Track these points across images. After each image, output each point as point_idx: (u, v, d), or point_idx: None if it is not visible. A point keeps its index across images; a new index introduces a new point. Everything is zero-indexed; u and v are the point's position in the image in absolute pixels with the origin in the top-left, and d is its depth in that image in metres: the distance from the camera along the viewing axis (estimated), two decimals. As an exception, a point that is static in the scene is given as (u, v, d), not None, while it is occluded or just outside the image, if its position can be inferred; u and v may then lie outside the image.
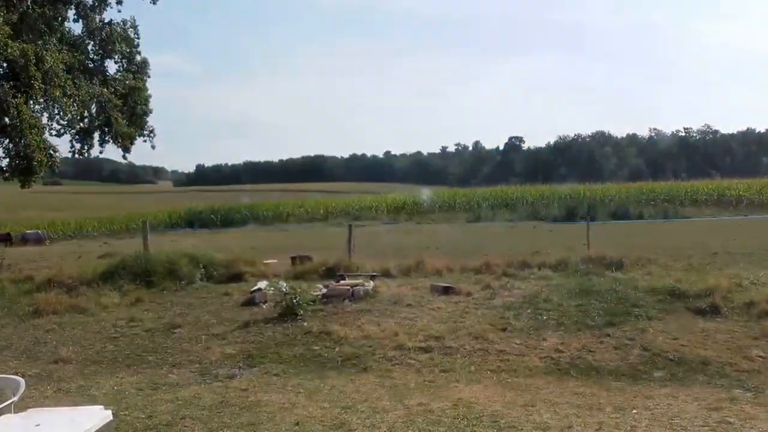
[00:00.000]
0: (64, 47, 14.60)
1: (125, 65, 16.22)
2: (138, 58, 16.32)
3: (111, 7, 15.80)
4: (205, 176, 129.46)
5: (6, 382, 3.98)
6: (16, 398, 3.75)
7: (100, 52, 15.94)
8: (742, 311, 7.62)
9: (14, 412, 3.69)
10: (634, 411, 5.03)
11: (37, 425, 3.46)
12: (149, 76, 16.57)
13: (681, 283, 8.39)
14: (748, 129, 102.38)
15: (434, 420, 4.82)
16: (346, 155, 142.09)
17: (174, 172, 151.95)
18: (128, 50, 16.00)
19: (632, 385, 5.82)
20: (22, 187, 14.71)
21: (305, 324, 7.64)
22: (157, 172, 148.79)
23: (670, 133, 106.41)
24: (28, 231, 25.68)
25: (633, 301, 7.98)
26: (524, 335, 7.17)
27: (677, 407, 5.12)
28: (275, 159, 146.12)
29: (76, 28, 15.74)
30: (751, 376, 5.99)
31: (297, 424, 4.76)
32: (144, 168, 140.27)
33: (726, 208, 29.60)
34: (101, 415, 3.66)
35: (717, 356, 6.47)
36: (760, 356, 6.47)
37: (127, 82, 15.75)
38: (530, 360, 6.54)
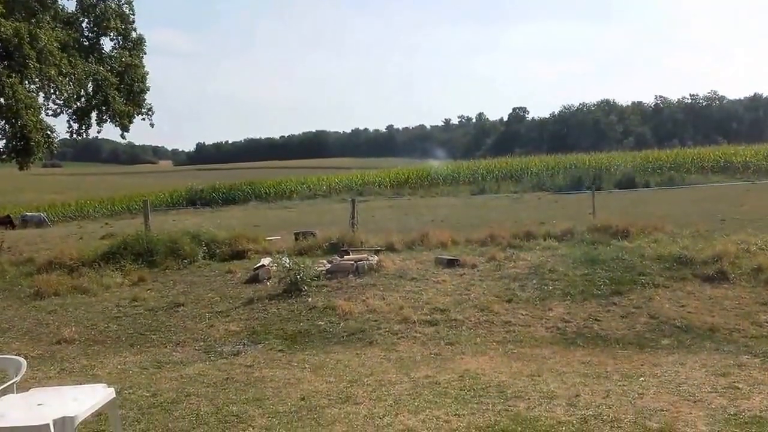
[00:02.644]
0: (58, 25, 14.34)
1: (121, 42, 15.98)
2: (134, 34, 16.08)
3: (105, -17, 15.49)
4: (206, 154, 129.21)
5: (7, 363, 3.95)
6: (18, 378, 3.72)
7: (95, 29, 15.68)
8: (750, 277, 7.54)
9: (16, 392, 3.65)
10: (642, 378, 4.99)
11: (40, 404, 3.42)
12: (145, 53, 16.34)
13: (688, 250, 8.29)
14: (755, 94, 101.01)
15: (441, 392, 4.79)
16: (348, 130, 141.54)
17: (174, 151, 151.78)
18: (123, 27, 15.74)
19: (639, 353, 5.78)
20: (21, 168, 14.63)
21: (309, 299, 7.60)
22: (156, 152, 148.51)
23: (676, 99, 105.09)
24: (28, 213, 25.63)
25: (639, 269, 7.90)
26: (530, 306, 7.12)
27: (685, 374, 5.09)
28: (276, 135, 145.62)
29: (70, 5, 15.47)
30: (759, 341, 5.95)
31: (303, 398, 4.74)
32: (143, 148, 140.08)
33: (733, 175, 29.34)
34: (104, 393, 3.61)
35: (724, 323, 6.42)
36: (768, 322, 6.41)
37: (123, 59, 15.53)
38: (536, 330, 6.50)
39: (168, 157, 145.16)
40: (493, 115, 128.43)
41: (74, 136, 15.99)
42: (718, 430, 3.88)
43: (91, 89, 15.29)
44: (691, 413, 4.18)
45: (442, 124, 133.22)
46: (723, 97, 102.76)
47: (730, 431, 3.86)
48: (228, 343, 6.57)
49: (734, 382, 4.82)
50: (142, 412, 4.56)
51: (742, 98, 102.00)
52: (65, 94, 14.51)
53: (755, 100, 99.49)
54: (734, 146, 39.46)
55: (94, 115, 15.69)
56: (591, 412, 4.24)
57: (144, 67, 16.21)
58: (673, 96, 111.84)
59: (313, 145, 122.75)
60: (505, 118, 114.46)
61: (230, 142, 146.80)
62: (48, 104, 14.72)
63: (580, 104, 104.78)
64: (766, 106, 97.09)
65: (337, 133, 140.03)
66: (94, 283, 8.84)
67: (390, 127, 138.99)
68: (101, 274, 9.20)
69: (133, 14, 15.89)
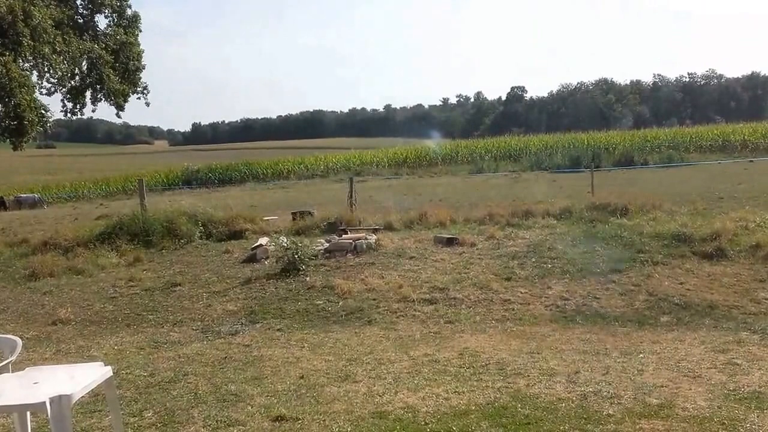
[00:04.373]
0: (52, 2, 14.06)
1: (115, 20, 15.70)
2: (128, 12, 15.81)
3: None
4: (202, 135, 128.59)
5: (2, 342, 3.90)
6: (13, 357, 3.67)
7: (90, 6, 15.39)
8: (748, 254, 7.54)
9: (12, 372, 3.61)
10: (641, 355, 4.98)
11: (36, 383, 3.37)
12: (141, 31, 16.08)
13: (686, 228, 8.27)
14: (753, 73, 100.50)
15: (440, 369, 4.77)
16: (345, 110, 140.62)
17: (170, 131, 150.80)
18: (118, 4, 15.46)
19: (638, 330, 5.77)
20: (14, 149, 14.46)
21: (308, 279, 7.56)
22: (152, 132, 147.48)
23: (674, 78, 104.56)
24: (22, 195, 25.43)
25: (638, 246, 7.88)
26: (529, 284, 7.10)
27: (684, 350, 5.08)
28: (273, 115, 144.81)
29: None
30: (758, 318, 5.95)
31: (302, 377, 4.71)
32: (139, 128, 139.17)
33: (731, 153, 29.27)
34: (101, 371, 3.56)
35: (723, 299, 6.41)
36: (766, 298, 6.43)
37: (118, 37, 15.27)
38: (535, 308, 6.48)
39: (164, 138, 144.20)
40: (491, 95, 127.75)
41: (69, 115, 15.83)
42: (717, 405, 3.87)
43: (85, 67, 15.08)
44: (690, 389, 4.17)
45: (440, 103, 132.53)
46: (721, 76, 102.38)
47: (730, 406, 3.84)
48: (226, 322, 6.54)
49: (733, 358, 4.81)
50: (140, 392, 4.53)
51: (740, 77, 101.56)
52: (59, 73, 14.28)
53: (753, 79, 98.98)
54: (732, 125, 39.28)
55: (88, 93, 15.48)
56: (591, 389, 4.23)
57: (139, 45, 15.97)
58: (671, 75, 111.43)
59: (310, 125, 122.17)
60: (504, 98, 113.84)
61: (227, 122, 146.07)
62: (42, 83, 14.52)
63: (578, 83, 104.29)
64: (763, 85, 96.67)
65: (334, 112, 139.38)
66: (90, 264, 8.78)
67: (388, 107, 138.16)
68: (97, 254, 9.13)
69: (128, -9, 15.58)
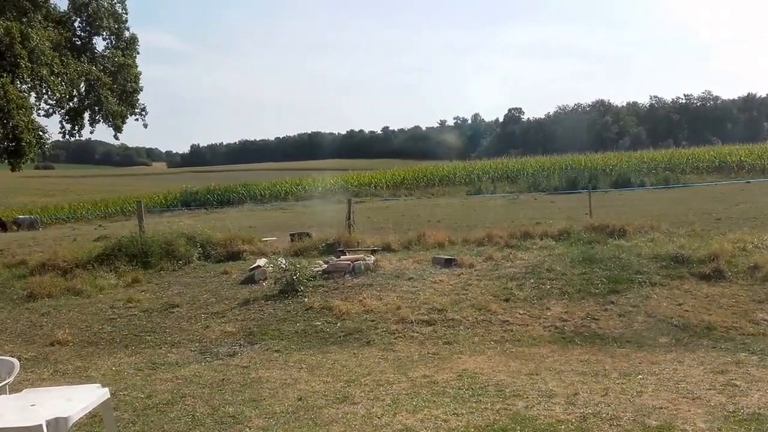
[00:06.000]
0: (50, 24, 14.25)
1: (113, 42, 15.90)
2: (126, 34, 16.01)
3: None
4: (200, 156, 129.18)
5: (0, 364, 3.88)
6: (10, 379, 3.67)
7: (88, 28, 15.60)
8: (746, 275, 7.53)
9: (9, 394, 3.60)
10: (640, 376, 4.97)
11: (33, 405, 3.37)
12: (138, 53, 16.26)
13: (684, 249, 8.27)
14: (749, 94, 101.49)
15: (439, 391, 4.75)
16: (343, 131, 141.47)
17: (168, 153, 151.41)
18: (116, 26, 15.66)
19: (637, 352, 5.76)
20: (13, 170, 14.53)
21: (306, 300, 7.55)
22: (150, 154, 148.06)
23: (671, 100, 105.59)
24: (20, 216, 25.48)
25: (636, 268, 7.88)
26: (528, 305, 7.09)
27: (683, 371, 5.07)
28: (271, 137, 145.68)
29: (62, 4, 15.41)
30: (757, 339, 5.94)
31: (300, 399, 4.69)
32: (137, 150, 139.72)
33: (727, 175, 29.45)
34: (98, 393, 3.56)
35: (722, 321, 6.41)
36: (765, 320, 6.42)
37: (116, 59, 15.45)
38: (534, 329, 6.47)
39: (162, 159, 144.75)
40: (488, 116, 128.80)
41: (67, 137, 15.92)
42: (717, 427, 3.86)
43: (83, 89, 15.21)
44: (689, 411, 4.16)
45: (438, 125, 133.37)
46: (717, 98, 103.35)
47: (729, 428, 3.83)
48: (224, 344, 6.52)
49: (732, 379, 4.80)
50: (137, 414, 4.51)
51: (735, 98, 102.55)
52: (57, 94, 14.40)
53: (749, 101, 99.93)
54: (728, 146, 39.61)
55: (86, 115, 15.59)
56: (590, 411, 4.22)
57: (137, 66, 16.16)
58: (668, 96, 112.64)
59: (308, 147, 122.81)
60: (501, 119, 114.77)
61: (225, 143, 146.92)
62: (40, 104, 14.64)
63: (575, 105, 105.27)
64: (759, 107, 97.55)
65: (332, 134, 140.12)
66: (88, 285, 8.76)
67: (385, 129, 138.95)
68: (95, 275, 9.12)
69: (126, 13, 15.82)
